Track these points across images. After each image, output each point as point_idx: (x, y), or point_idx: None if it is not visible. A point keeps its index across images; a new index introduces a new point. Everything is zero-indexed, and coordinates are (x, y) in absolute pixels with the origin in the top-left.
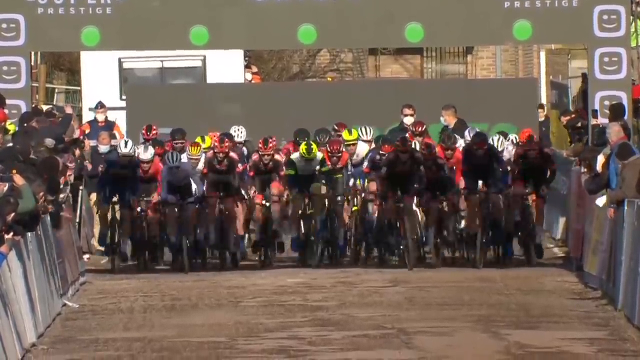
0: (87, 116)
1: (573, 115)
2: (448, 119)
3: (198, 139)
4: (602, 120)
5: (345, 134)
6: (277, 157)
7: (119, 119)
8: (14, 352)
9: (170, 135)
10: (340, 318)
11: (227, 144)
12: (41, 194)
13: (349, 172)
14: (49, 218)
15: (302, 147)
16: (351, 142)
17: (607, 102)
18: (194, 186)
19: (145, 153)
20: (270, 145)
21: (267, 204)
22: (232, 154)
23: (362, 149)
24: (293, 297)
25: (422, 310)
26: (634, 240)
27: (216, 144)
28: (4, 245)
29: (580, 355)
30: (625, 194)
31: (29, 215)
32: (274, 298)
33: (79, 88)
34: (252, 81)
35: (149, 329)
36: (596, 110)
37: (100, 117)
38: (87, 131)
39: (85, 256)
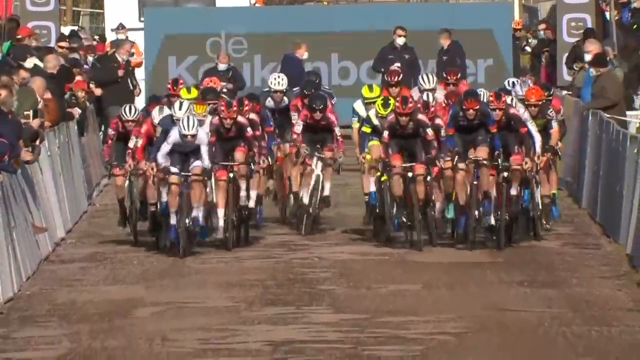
0: (110, 37)
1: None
2: (444, 42)
3: (183, 92)
4: (568, 39)
5: (365, 91)
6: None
7: (138, 39)
8: (46, 246)
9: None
10: (335, 216)
11: (235, 109)
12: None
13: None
14: (76, 126)
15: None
16: (372, 100)
17: (573, 24)
18: (205, 159)
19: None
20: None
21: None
22: (241, 119)
23: None
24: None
25: None
26: (597, 147)
27: (222, 108)
28: (28, 154)
29: (548, 248)
30: (610, 99)
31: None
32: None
33: (102, 11)
34: (257, 5)
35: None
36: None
37: (122, 37)
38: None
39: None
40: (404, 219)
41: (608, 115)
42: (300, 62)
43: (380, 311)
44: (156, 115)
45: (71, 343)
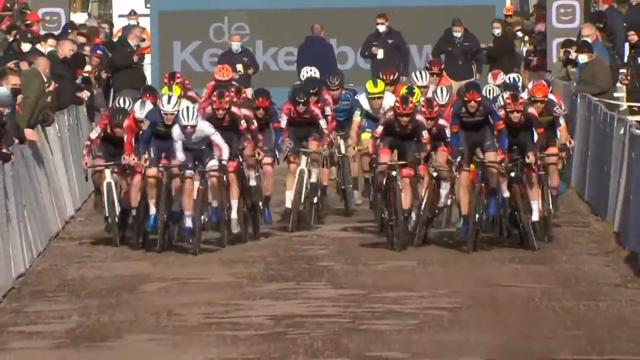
0: (118, 22)
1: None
2: (460, 30)
3: (165, 89)
4: (557, 25)
5: (369, 86)
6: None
7: (144, 24)
8: (56, 223)
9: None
10: (334, 196)
11: (227, 99)
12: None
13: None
14: (85, 109)
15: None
16: (376, 95)
17: (562, 10)
18: (223, 148)
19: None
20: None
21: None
22: (235, 110)
23: (390, 102)
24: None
25: None
26: (585, 129)
27: (215, 98)
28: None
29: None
30: (599, 87)
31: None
32: (278, 178)
33: None
34: None
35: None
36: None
37: (133, 23)
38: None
39: None
40: (386, 217)
41: (596, 99)
42: (324, 41)
43: (377, 287)
44: (137, 109)
45: (80, 317)
